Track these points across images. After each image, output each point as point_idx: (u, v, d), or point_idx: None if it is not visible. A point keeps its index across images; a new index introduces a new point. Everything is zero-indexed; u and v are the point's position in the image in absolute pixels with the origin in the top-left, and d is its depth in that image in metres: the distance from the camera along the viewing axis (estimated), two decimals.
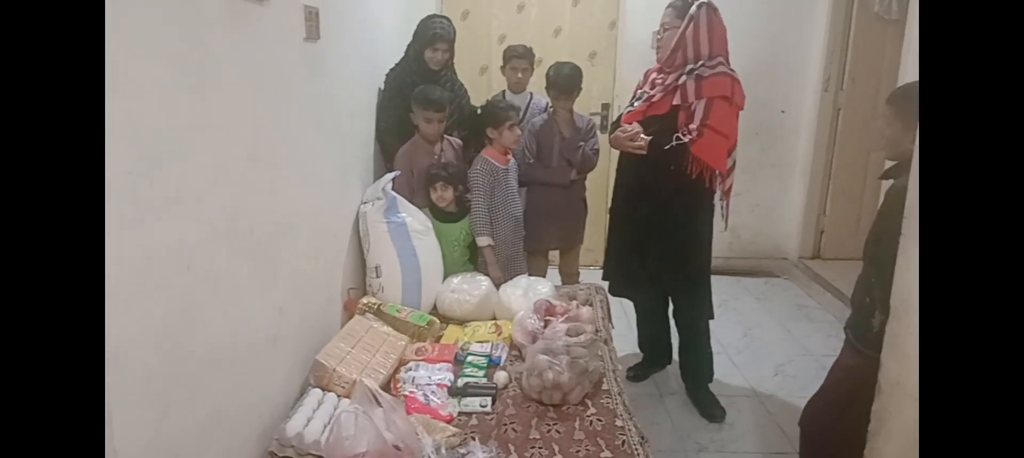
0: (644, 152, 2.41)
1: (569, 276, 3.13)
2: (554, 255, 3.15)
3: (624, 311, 3.28)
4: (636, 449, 1.66)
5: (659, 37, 2.45)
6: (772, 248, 4.30)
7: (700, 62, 2.31)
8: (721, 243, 4.26)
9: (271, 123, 1.64)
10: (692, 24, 2.29)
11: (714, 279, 4.10)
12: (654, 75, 2.47)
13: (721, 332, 3.36)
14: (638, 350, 2.96)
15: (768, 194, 4.23)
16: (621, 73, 3.93)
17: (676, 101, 2.33)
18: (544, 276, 3.07)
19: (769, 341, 3.30)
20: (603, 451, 1.66)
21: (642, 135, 2.41)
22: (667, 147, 2.32)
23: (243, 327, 1.51)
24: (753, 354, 3.17)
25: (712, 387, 2.77)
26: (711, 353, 2.73)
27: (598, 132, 3.05)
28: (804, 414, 1.81)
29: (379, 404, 1.47)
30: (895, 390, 1.16)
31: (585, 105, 3.97)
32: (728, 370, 3.00)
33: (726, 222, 2.55)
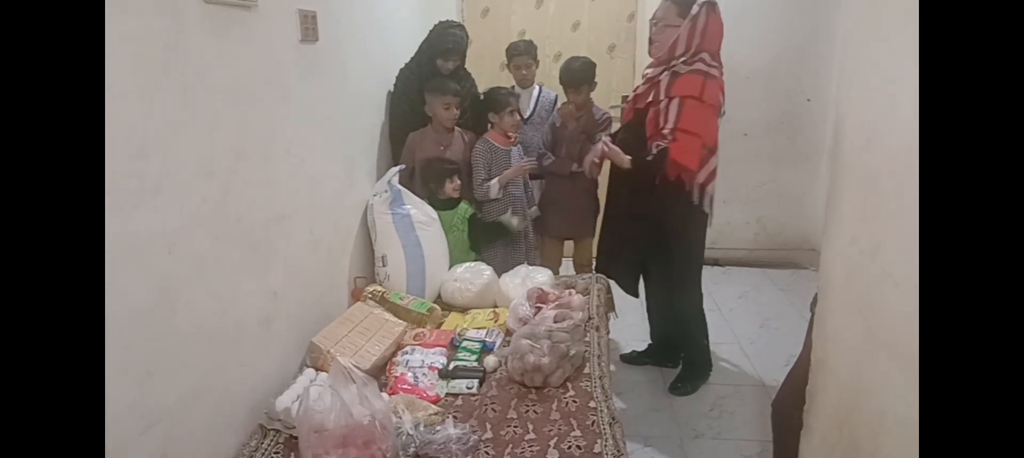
0: (628, 166, 2.50)
1: (580, 266, 3.21)
2: (569, 247, 3.25)
3: (641, 302, 3.32)
4: (604, 429, 1.72)
5: (654, 28, 2.46)
6: (799, 239, 4.23)
7: (681, 58, 2.34)
8: (746, 234, 4.26)
9: (261, 120, 1.77)
10: (692, 23, 2.31)
11: (738, 270, 4.14)
12: (647, 70, 2.50)
13: (737, 323, 3.37)
14: (642, 340, 3.01)
15: (795, 184, 4.16)
16: (640, 65, 3.93)
17: (650, 97, 2.37)
18: (559, 263, 3.17)
19: (786, 332, 3.27)
20: (574, 430, 1.73)
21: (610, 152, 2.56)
22: (649, 158, 2.38)
23: (232, 308, 1.64)
24: (766, 345, 3.15)
25: (717, 377, 2.79)
26: (706, 345, 2.75)
27: (612, 126, 3.09)
28: (777, 397, 1.83)
29: (353, 381, 1.57)
30: (821, 368, 1.19)
31: (604, 98, 4.01)
32: (738, 360, 3.00)
33: (710, 214, 2.50)
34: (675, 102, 2.32)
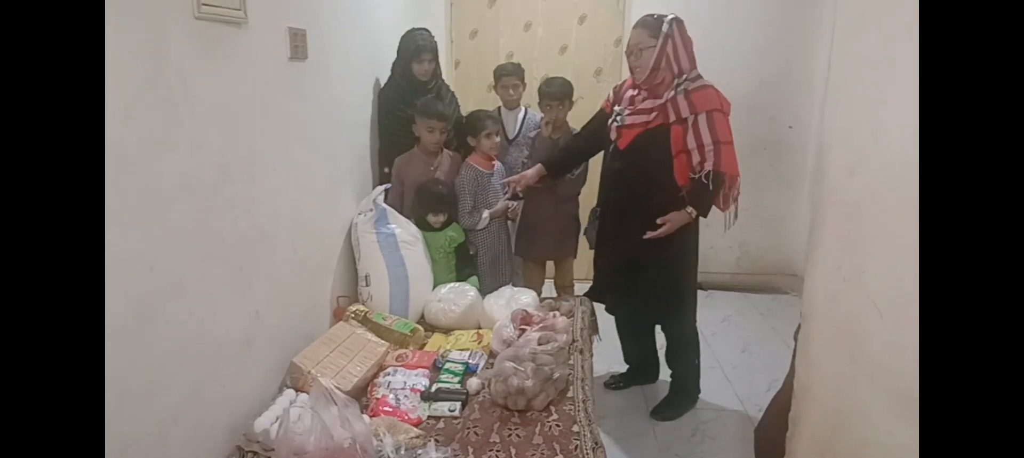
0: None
1: (562, 288, 3.21)
2: (551, 268, 3.23)
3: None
4: (587, 454, 1.71)
5: (632, 57, 2.42)
6: (781, 264, 4.27)
7: (684, 77, 2.36)
8: (729, 259, 4.29)
9: (248, 138, 1.76)
10: (669, 42, 2.33)
11: (720, 295, 4.16)
12: (632, 92, 2.50)
13: (719, 347, 3.38)
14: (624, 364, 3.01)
15: (777, 209, 4.20)
16: None
17: (672, 118, 2.37)
18: (541, 285, 3.16)
19: (768, 357, 3.28)
20: (557, 455, 1.71)
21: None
22: (704, 180, 2.37)
23: (213, 328, 1.62)
24: (748, 370, 3.16)
25: (699, 401, 2.79)
26: (698, 366, 2.75)
27: None
28: (760, 423, 1.84)
29: (334, 402, 1.55)
30: (804, 394, 1.19)
31: None
32: (720, 385, 3.00)
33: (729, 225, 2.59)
34: (703, 117, 2.33)
